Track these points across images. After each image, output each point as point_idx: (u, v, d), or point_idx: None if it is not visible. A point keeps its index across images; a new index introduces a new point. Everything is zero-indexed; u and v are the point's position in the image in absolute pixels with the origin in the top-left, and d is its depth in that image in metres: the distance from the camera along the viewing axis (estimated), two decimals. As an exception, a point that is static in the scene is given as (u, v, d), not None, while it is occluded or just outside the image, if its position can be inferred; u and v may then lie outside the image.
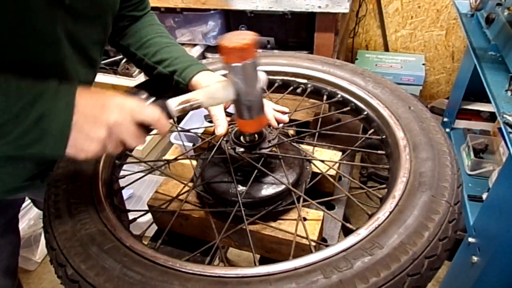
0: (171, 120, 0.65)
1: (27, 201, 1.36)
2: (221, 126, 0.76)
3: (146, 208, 0.79)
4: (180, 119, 1.61)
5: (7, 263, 0.99)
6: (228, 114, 0.82)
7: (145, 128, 0.60)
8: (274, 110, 0.85)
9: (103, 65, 1.94)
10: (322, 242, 0.75)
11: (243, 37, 0.57)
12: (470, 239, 1.29)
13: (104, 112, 0.55)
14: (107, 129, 0.55)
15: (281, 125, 0.84)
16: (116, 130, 0.56)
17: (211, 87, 0.63)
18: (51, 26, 0.65)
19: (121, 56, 1.99)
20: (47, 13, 0.63)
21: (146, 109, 0.59)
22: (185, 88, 0.85)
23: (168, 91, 0.94)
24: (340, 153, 0.87)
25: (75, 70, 0.74)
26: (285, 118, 0.83)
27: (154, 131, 0.63)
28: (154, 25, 0.95)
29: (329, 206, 0.84)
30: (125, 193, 1.99)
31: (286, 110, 0.87)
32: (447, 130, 2.03)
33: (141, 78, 1.98)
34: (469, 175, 1.74)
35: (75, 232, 0.60)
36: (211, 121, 0.80)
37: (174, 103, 0.61)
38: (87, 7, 0.72)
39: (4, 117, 0.51)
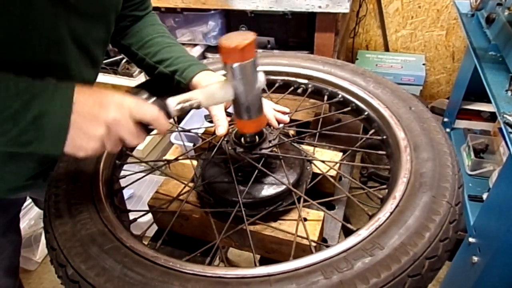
0: (171, 120, 0.65)
1: (28, 201, 1.36)
2: (222, 126, 0.76)
3: (147, 208, 0.79)
4: (180, 119, 1.61)
5: (8, 262, 0.99)
6: (228, 114, 0.82)
7: (144, 127, 0.59)
8: (274, 110, 0.85)
9: (103, 65, 1.94)
10: (323, 242, 0.75)
11: (242, 37, 0.57)
12: (471, 239, 1.29)
13: (102, 110, 0.55)
14: (106, 127, 0.55)
15: (281, 125, 0.84)
16: (115, 128, 0.56)
17: (210, 87, 0.63)
18: (55, 25, 0.65)
19: (121, 56, 1.99)
20: (50, 12, 0.63)
21: (145, 107, 0.59)
22: (186, 88, 0.85)
23: (169, 91, 0.94)
24: (340, 154, 0.87)
25: (78, 69, 0.74)
26: (286, 118, 0.83)
27: (153, 131, 0.63)
28: (156, 25, 0.95)
29: (330, 206, 0.84)
30: (126, 193, 1.99)
31: (287, 110, 0.86)
32: (448, 130, 2.03)
33: (142, 78, 1.98)
34: (470, 175, 1.74)
35: (76, 232, 0.60)
36: (211, 121, 0.80)
37: (173, 103, 0.61)
38: (91, 6, 0.72)
39: (1, 116, 0.51)
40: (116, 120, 0.56)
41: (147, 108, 0.59)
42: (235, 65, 0.58)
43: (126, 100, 0.57)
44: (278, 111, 0.85)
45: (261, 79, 0.63)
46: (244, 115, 0.65)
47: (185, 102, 0.61)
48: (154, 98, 0.93)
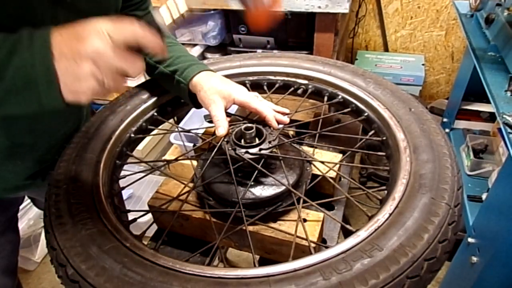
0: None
1: (26, 201, 1.36)
2: (222, 127, 0.76)
3: (146, 208, 0.79)
4: (180, 119, 1.61)
5: (7, 262, 0.99)
6: (228, 115, 0.82)
7: (136, 50, 0.53)
8: (274, 111, 0.85)
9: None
10: (322, 243, 0.75)
11: None
12: (470, 239, 1.29)
13: (80, 44, 0.49)
14: (91, 60, 0.49)
15: (281, 126, 0.84)
16: (102, 59, 0.49)
17: None
18: (53, 24, 0.65)
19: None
20: (48, 11, 0.63)
21: (126, 26, 0.52)
22: (186, 87, 0.85)
23: (169, 91, 0.94)
24: (340, 155, 0.87)
25: None
26: (286, 119, 0.84)
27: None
28: None
29: (329, 207, 0.84)
30: (125, 193, 1.99)
31: (287, 111, 0.87)
32: (447, 130, 2.03)
33: (141, 78, 1.97)
34: (469, 175, 1.75)
35: (76, 232, 0.60)
36: (211, 122, 0.81)
37: (160, 14, 0.55)
38: (89, 5, 0.72)
39: None
40: (99, 50, 0.49)
41: (128, 27, 0.52)
42: None
43: (102, 25, 0.50)
44: (278, 112, 0.85)
45: None
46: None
47: (172, 7, 0.56)
48: (154, 99, 0.93)
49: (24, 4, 0.58)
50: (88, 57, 0.49)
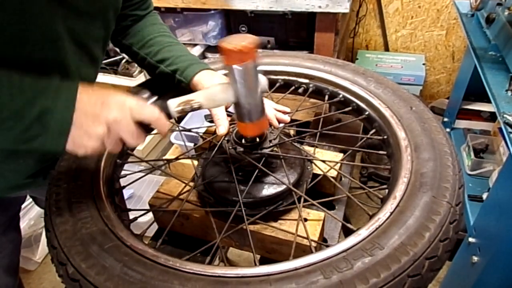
0: (172, 120, 0.65)
1: (28, 201, 1.36)
2: (223, 126, 0.76)
3: (147, 207, 0.79)
4: (180, 118, 1.61)
5: (8, 261, 0.99)
6: (229, 114, 0.82)
7: (144, 127, 0.60)
8: (275, 110, 0.85)
9: (103, 65, 1.94)
10: (323, 242, 0.75)
11: (244, 40, 0.57)
12: (470, 239, 1.29)
13: (103, 110, 0.56)
14: (106, 126, 0.56)
15: (282, 125, 0.84)
16: (115, 128, 0.56)
17: (211, 89, 0.63)
18: (52, 23, 0.65)
19: (121, 56, 1.99)
20: (47, 10, 0.63)
21: (146, 108, 0.59)
22: (187, 87, 0.85)
23: (170, 90, 0.94)
24: (341, 155, 0.87)
25: (76, 67, 0.74)
26: (286, 118, 0.83)
27: (154, 131, 0.63)
28: (157, 25, 0.95)
29: (330, 206, 0.84)
30: (126, 193, 1.99)
31: (288, 110, 0.87)
32: (448, 130, 2.03)
33: (142, 78, 1.98)
34: (469, 175, 1.75)
35: (76, 231, 0.60)
36: (211, 121, 0.81)
37: (174, 104, 0.61)
38: (88, 4, 0.72)
39: (5, 112, 0.52)
40: (117, 120, 0.56)
41: (148, 109, 0.59)
42: (237, 67, 0.58)
43: (128, 101, 0.58)
44: (279, 111, 0.85)
45: (263, 82, 0.63)
46: (246, 118, 0.65)
47: (185, 104, 0.62)
48: (155, 98, 0.93)
49: (22, 3, 0.58)
50: (105, 122, 0.55)
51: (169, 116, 0.62)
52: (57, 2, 0.64)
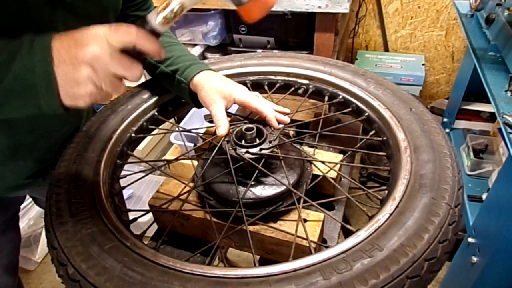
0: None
1: (27, 201, 1.36)
2: (223, 126, 0.77)
3: (146, 208, 0.80)
4: (180, 119, 1.61)
5: (7, 261, 0.99)
6: (229, 115, 0.82)
7: (133, 55, 0.53)
8: (275, 111, 0.85)
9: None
10: (322, 243, 0.75)
11: None
12: (470, 239, 1.30)
13: (78, 50, 0.50)
14: (88, 65, 0.50)
15: (281, 125, 0.84)
16: (99, 63, 0.50)
17: None
18: (52, 24, 0.65)
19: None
20: (47, 11, 0.63)
21: (121, 29, 0.52)
22: (187, 87, 0.85)
23: (170, 90, 0.94)
24: (340, 155, 0.87)
25: None
26: (286, 119, 0.84)
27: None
28: None
29: (329, 207, 0.84)
30: (125, 193, 1.99)
31: (287, 111, 0.87)
32: (447, 130, 2.03)
33: (142, 78, 1.97)
34: (469, 175, 1.75)
35: (76, 231, 0.60)
36: (211, 121, 0.81)
37: (153, 15, 0.55)
38: (88, 6, 0.72)
39: None
40: (96, 54, 0.50)
41: (124, 29, 0.52)
42: None
43: (100, 30, 0.51)
44: (279, 112, 0.85)
45: None
46: None
47: (165, 10, 0.55)
48: (155, 98, 0.93)
49: (22, 4, 0.58)
50: (86, 62, 0.50)
51: (155, 33, 0.55)
52: (57, 3, 0.64)
